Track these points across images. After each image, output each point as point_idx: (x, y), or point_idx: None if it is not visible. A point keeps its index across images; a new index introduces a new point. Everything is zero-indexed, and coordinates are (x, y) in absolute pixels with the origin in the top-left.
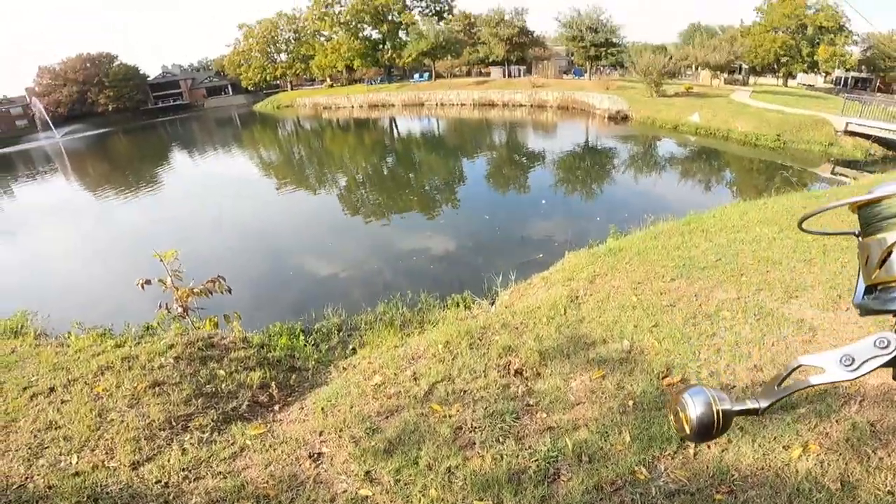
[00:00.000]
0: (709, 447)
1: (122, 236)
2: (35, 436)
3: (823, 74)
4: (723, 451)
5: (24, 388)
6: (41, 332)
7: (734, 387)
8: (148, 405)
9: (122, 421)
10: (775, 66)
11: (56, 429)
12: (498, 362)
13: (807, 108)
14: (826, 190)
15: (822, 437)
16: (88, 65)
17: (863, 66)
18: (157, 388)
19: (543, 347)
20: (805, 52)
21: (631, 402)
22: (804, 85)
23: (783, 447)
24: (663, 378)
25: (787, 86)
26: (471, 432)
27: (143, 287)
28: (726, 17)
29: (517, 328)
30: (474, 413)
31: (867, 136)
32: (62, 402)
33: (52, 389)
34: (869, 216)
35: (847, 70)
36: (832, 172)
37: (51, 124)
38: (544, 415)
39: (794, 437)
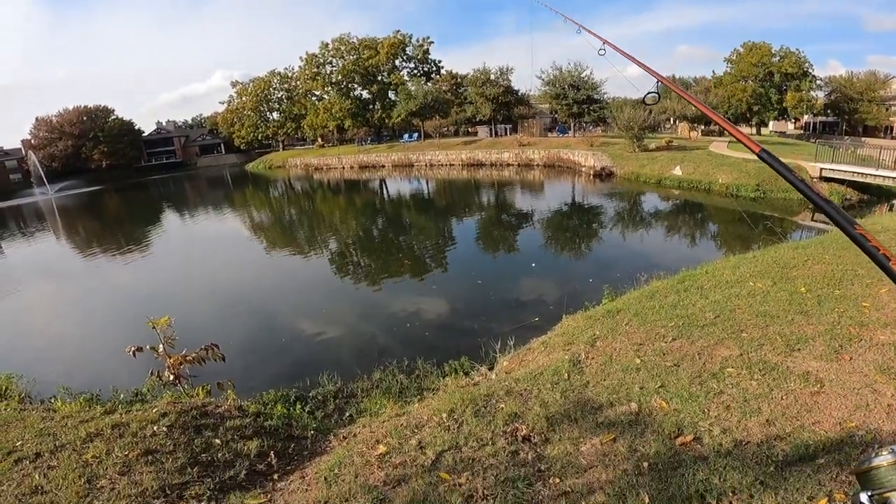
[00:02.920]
0: (731, 503)
1: (112, 299)
2: (20, 500)
3: (793, 120)
4: None
5: (9, 453)
6: (26, 395)
7: (748, 442)
8: (140, 473)
9: (113, 488)
10: (748, 115)
11: (42, 494)
12: (505, 429)
13: (782, 155)
14: (811, 239)
15: (846, 486)
16: (85, 118)
17: (828, 111)
18: (149, 457)
19: (550, 413)
20: (774, 99)
21: (645, 464)
22: (776, 132)
23: (807, 498)
24: (675, 438)
25: (760, 134)
26: (483, 500)
27: (133, 354)
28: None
29: (521, 394)
30: (485, 481)
31: (841, 181)
32: (49, 468)
33: (37, 455)
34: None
35: (815, 115)
36: (812, 219)
37: (45, 179)
38: (557, 480)
39: (817, 488)
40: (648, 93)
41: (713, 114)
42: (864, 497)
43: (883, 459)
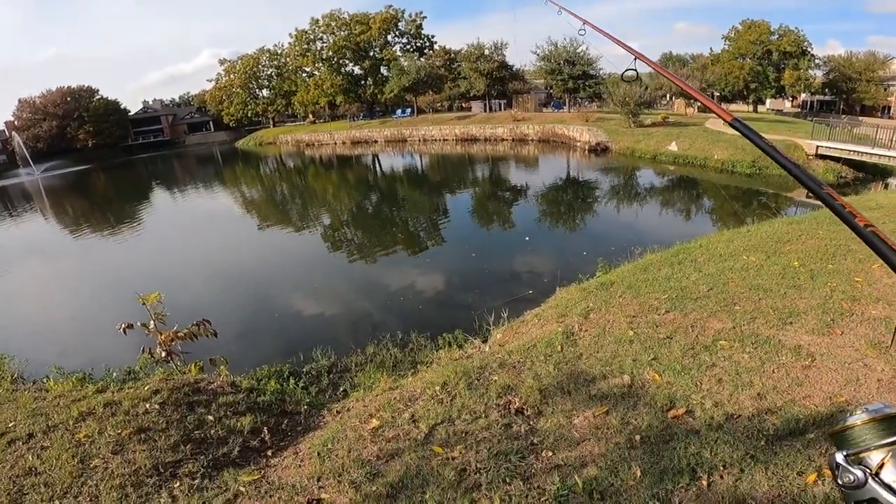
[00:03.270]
0: (721, 477)
1: (103, 278)
2: (13, 482)
3: (791, 99)
4: (736, 480)
5: (2, 434)
6: (18, 376)
7: (739, 416)
8: (133, 452)
9: (107, 468)
10: (745, 93)
11: (36, 475)
12: (498, 402)
13: (778, 132)
14: (805, 215)
15: None
16: (69, 98)
17: (826, 90)
18: (142, 435)
19: (543, 385)
20: (772, 77)
21: (638, 437)
22: (773, 110)
23: (797, 473)
24: (668, 411)
25: (756, 111)
26: (476, 474)
27: (125, 332)
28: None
29: (514, 367)
30: (478, 454)
31: (837, 159)
32: (42, 449)
33: (30, 435)
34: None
35: (812, 93)
36: (807, 196)
37: (30, 160)
38: (550, 453)
39: (807, 463)
40: (626, 70)
41: (686, 85)
42: (839, 457)
43: (857, 419)
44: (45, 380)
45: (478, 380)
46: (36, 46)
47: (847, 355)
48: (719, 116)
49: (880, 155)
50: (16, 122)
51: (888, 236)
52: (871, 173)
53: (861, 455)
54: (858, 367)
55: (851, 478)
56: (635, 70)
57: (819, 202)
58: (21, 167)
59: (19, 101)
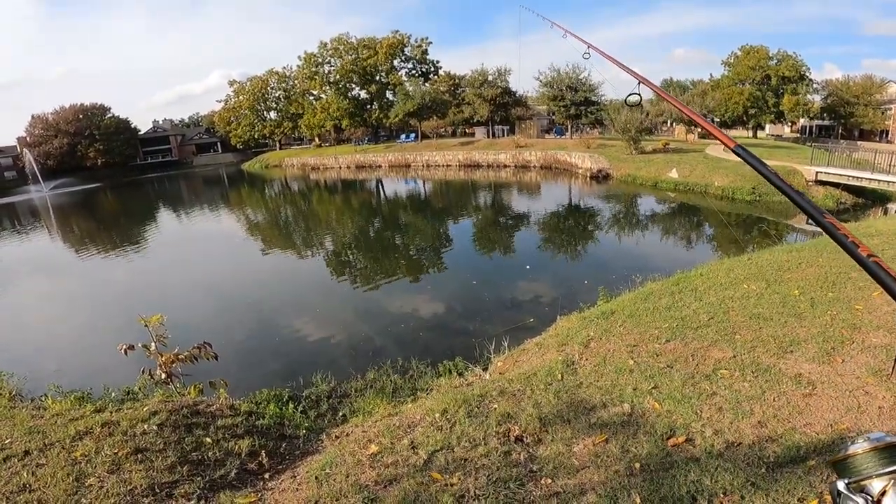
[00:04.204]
0: None
1: (105, 297)
2: (7, 498)
3: (790, 124)
4: None
5: None
6: (17, 393)
7: (740, 444)
8: (130, 471)
9: (102, 486)
10: (745, 118)
11: (30, 492)
12: (497, 429)
13: (777, 158)
14: (805, 242)
15: None
16: (81, 115)
17: (825, 114)
18: (139, 455)
19: (543, 413)
20: (771, 102)
21: (637, 465)
22: (772, 136)
23: (798, 500)
24: (668, 439)
25: (756, 137)
26: (475, 500)
27: (125, 353)
28: (695, 72)
29: (515, 395)
30: (477, 481)
31: (836, 185)
32: (37, 466)
33: (26, 453)
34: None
35: (811, 118)
36: (806, 222)
37: (40, 177)
38: (549, 480)
39: (808, 490)
40: (629, 94)
41: (689, 111)
42: (841, 485)
43: (859, 447)
44: (43, 398)
45: (478, 407)
46: (49, 60)
47: (848, 383)
48: (723, 143)
49: (879, 180)
50: (28, 138)
51: (889, 265)
52: (871, 199)
53: (863, 483)
54: (859, 394)
55: None
56: (639, 94)
57: (819, 229)
58: (31, 184)
59: (32, 116)
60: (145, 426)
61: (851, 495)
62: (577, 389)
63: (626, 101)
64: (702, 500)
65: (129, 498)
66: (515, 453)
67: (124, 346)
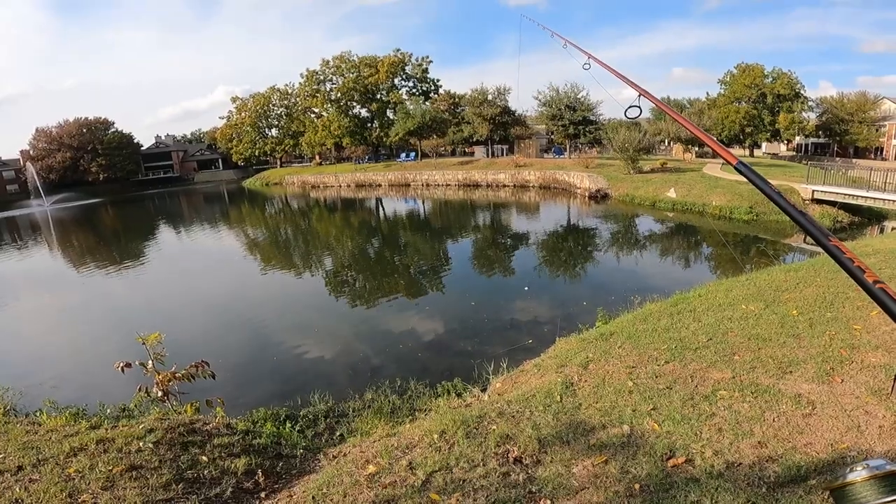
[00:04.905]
0: None
1: (103, 313)
2: None
3: (786, 142)
4: None
5: None
6: (11, 408)
7: (740, 464)
8: (124, 489)
9: (95, 503)
10: (741, 137)
11: None
12: (496, 451)
13: (773, 177)
14: (803, 262)
15: None
16: (84, 130)
17: (820, 132)
18: (133, 472)
19: (542, 434)
20: (767, 120)
21: (637, 486)
22: (769, 154)
23: None
24: (667, 460)
25: (753, 155)
26: None
27: (122, 370)
28: (692, 90)
29: (513, 416)
30: (475, 502)
31: (833, 203)
32: (30, 481)
33: (20, 468)
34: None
35: (807, 136)
36: (805, 242)
37: (41, 191)
38: (548, 502)
39: None
40: (630, 106)
41: (692, 126)
42: None
43: (858, 475)
44: (37, 413)
45: (476, 428)
46: (58, 73)
47: (847, 403)
48: (725, 160)
49: (875, 198)
50: (31, 152)
51: (889, 285)
52: (867, 216)
53: None
54: (859, 414)
55: None
56: (639, 107)
57: (817, 247)
58: (32, 198)
59: (36, 129)
60: (140, 443)
61: None
62: (576, 411)
63: (625, 113)
64: None
65: None
66: (514, 474)
67: (122, 364)
